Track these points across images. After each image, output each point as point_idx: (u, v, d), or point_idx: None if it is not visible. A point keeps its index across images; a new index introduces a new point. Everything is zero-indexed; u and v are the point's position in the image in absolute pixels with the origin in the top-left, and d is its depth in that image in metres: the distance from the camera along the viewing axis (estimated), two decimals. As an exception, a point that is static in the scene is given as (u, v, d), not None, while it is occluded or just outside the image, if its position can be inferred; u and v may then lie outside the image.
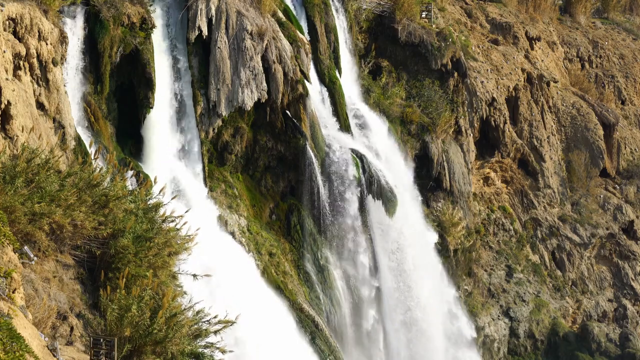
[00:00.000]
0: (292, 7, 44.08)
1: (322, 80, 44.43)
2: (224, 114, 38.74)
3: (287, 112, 40.82)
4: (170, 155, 37.59)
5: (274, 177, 41.59)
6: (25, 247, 19.55)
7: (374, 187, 42.90)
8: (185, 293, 23.13)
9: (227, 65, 38.55)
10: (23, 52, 29.34)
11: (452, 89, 50.90)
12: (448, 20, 56.40)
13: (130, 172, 31.25)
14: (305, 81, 41.13)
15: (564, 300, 55.04)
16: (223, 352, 21.13)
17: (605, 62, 67.54)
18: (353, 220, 42.38)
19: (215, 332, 21.06)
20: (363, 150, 43.84)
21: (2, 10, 28.45)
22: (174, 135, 38.04)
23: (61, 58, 32.36)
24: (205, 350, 20.76)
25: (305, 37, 42.94)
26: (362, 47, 50.25)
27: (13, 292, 16.72)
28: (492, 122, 54.41)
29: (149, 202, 23.85)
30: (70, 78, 33.76)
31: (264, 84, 39.16)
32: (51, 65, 30.87)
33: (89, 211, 21.47)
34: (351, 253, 42.76)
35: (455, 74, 51.08)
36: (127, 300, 19.32)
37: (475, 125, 53.52)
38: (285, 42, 40.41)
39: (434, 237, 47.65)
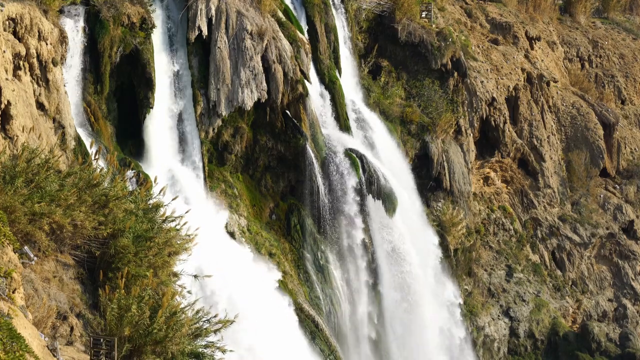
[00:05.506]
0: (292, 7, 44.08)
1: (322, 80, 44.44)
2: (224, 114, 38.76)
3: (287, 112, 40.83)
4: (170, 155, 37.61)
5: (274, 177, 41.60)
6: (25, 247, 19.55)
7: (374, 187, 42.91)
8: (189, 292, 23.15)
9: (227, 65, 38.56)
10: (23, 52, 29.35)
11: (452, 89, 50.91)
12: (448, 20, 56.40)
13: (130, 172, 31.29)
14: (305, 81, 41.14)
15: (564, 300, 55.05)
16: (223, 351, 21.14)
17: (605, 62, 67.54)
18: (353, 220, 42.39)
19: (215, 332, 21.07)
20: (363, 150, 43.85)
21: (2, 10, 28.46)
22: (174, 136, 38.05)
23: (61, 58, 32.38)
24: (206, 350, 20.76)
25: (305, 37, 42.95)
26: (362, 47, 50.25)
27: (13, 292, 16.73)
28: (492, 122, 54.41)
29: (149, 202, 23.87)
30: (70, 78, 33.76)
31: (264, 84, 39.18)
32: (51, 65, 30.89)
33: (89, 211, 21.47)
34: (351, 253, 42.78)
35: (455, 74, 51.08)
36: (127, 300, 19.32)
37: (475, 125, 53.52)
38: (285, 42, 40.42)
39: (434, 238, 47.65)
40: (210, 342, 20.93)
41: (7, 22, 28.97)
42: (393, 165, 46.08)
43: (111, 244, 21.48)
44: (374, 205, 43.20)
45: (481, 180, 55.34)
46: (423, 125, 48.93)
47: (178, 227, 23.41)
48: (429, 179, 49.12)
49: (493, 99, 54.00)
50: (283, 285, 38.52)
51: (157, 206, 23.76)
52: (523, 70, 57.36)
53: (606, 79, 66.49)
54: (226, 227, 38.56)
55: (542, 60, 60.99)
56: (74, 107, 33.56)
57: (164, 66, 37.52)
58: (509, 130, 55.24)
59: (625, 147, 62.84)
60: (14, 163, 20.98)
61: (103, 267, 21.40)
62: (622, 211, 59.34)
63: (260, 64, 39.17)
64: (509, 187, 56.67)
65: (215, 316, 21.23)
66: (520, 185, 56.67)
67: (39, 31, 30.16)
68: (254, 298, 34.76)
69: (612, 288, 57.57)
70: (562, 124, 60.23)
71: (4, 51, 27.95)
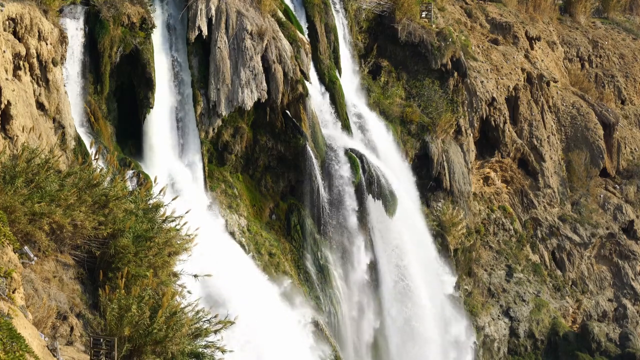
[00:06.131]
0: (292, 7, 44.09)
1: (322, 80, 44.43)
2: (223, 114, 38.75)
3: (287, 112, 40.83)
4: (170, 155, 37.61)
5: (274, 177, 41.60)
6: (25, 247, 19.54)
7: (374, 187, 42.91)
8: (189, 292, 23.13)
9: (227, 65, 38.56)
10: (23, 52, 29.35)
11: (452, 89, 50.90)
12: (448, 20, 56.40)
13: (130, 172, 31.28)
14: (305, 81, 41.14)
15: (564, 300, 55.05)
16: (223, 351, 21.12)
17: (605, 62, 67.53)
18: (353, 220, 42.39)
19: (216, 332, 21.05)
20: (363, 150, 43.85)
21: (2, 10, 28.46)
22: (174, 135, 38.05)
23: (61, 58, 32.37)
24: (206, 350, 20.74)
25: (305, 37, 42.95)
26: (362, 47, 50.25)
27: (13, 292, 16.72)
28: (492, 122, 54.42)
29: (149, 202, 23.85)
30: (70, 78, 33.77)
31: (264, 84, 39.18)
32: (51, 65, 30.88)
33: (89, 211, 21.45)
34: (351, 253, 42.78)
35: (455, 74, 51.08)
36: (127, 300, 19.30)
37: (475, 125, 53.52)
38: (285, 42, 40.41)
39: (431, 239, 47.71)
40: (210, 342, 20.91)
41: (7, 22, 28.96)
42: (393, 165, 46.09)
43: (111, 244, 21.46)
44: (374, 205, 43.20)
45: (481, 180, 55.34)
46: (423, 125, 48.93)
47: (178, 227, 23.39)
48: (429, 179, 49.12)
49: (493, 99, 54.00)
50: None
51: (157, 206, 23.73)
52: (523, 70, 57.36)
53: (606, 79, 66.48)
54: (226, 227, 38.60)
55: (542, 60, 60.99)
56: (74, 107, 33.56)
57: (164, 66, 37.53)
58: (509, 130, 55.24)
59: (625, 147, 62.84)
60: (14, 163, 20.95)
61: (103, 267, 21.38)
62: (622, 211, 59.34)
63: (260, 64, 39.17)
64: (509, 187, 56.67)
65: (215, 316, 21.22)
66: (520, 185, 56.67)
67: (39, 31, 30.16)
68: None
69: (612, 288, 57.57)
70: (562, 124, 60.22)
71: (4, 51, 27.95)
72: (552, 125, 58.85)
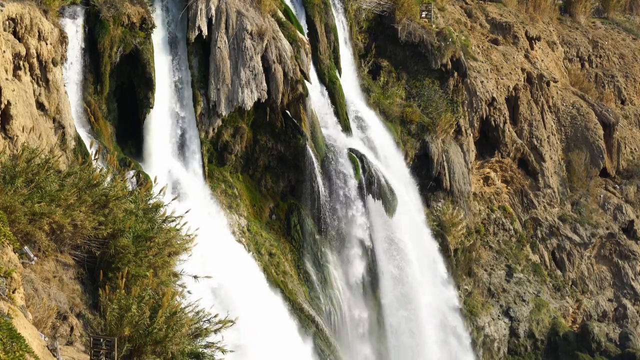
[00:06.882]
0: (292, 7, 44.09)
1: (322, 80, 44.44)
2: (223, 114, 38.75)
3: (287, 112, 40.83)
4: (170, 155, 37.60)
5: (274, 177, 41.60)
6: (25, 247, 19.55)
7: (374, 187, 42.91)
8: (189, 292, 23.14)
9: (227, 65, 38.56)
10: (23, 52, 29.35)
11: (452, 89, 50.90)
12: (448, 20, 56.41)
13: (130, 172, 31.29)
14: (305, 81, 41.14)
15: (564, 300, 55.05)
16: (223, 352, 21.13)
17: (605, 62, 67.53)
18: (353, 220, 42.39)
19: (216, 332, 21.06)
20: (363, 150, 43.85)
21: (2, 10, 28.46)
22: (174, 135, 38.05)
23: (61, 58, 32.37)
24: (206, 350, 20.75)
25: (305, 37, 42.95)
26: (362, 47, 50.25)
27: (13, 292, 16.72)
28: (492, 122, 54.42)
29: (149, 202, 23.85)
30: (70, 78, 33.76)
31: (264, 84, 39.18)
32: (51, 65, 30.88)
33: (89, 211, 21.46)
34: (351, 253, 42.77)
35: (455, 74, 51.08)
36: (127, 300, 19.31)
37: (475, 125, 53.52)
38: (285, 42, 40.41)
39: (431, 237, 47.70)
40: (210, 342, 20.92)
41: (7, 22, 28.96)
42: (393, 165, 46.10)
43: (111, 244, 21.46)
44: (374, 205, 43.21)
45: (481, 180, 55.34)
46: (423, 125, 48.93)
47: (178, 227, 23.40)
48: (429, 179, 49.12)
49: (493, 99, 54.00)
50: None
51: (157, 206, 23.75)
52: (523, 70, 57.36)
53: (606, 79, 66.48)
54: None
55: (542, 60, 60.99)
56: (74, 107, 33.55)
57: (164, 66, 37.52)
58: (509, 130, 55.24)
59: (625, 147, 62.84)
60: (14, 163, 20.96)
61: (103, 267, 21.39)
62: (622, 211, 59.34)
63: (260, 64, 39.17)
64: (509, 187, 56.66)
65: (215, 316, 21.23)
66: (520, 185, 56.67)
67: (39, 31, 30.16)
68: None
69: (612, 288, 57.57)
70: (562, 124, 60.22)
71: (4, 51, 27.95)
72: (552, 125, 58.85)
